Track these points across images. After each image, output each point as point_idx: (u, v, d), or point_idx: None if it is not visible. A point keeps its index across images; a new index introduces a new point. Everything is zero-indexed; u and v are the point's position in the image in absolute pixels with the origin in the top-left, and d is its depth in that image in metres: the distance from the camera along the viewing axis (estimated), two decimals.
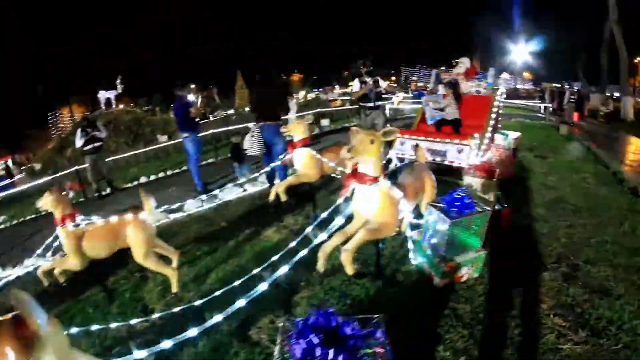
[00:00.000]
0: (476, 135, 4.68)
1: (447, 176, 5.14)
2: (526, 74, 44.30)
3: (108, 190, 7.90)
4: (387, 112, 9.20)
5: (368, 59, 6.49)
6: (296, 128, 4.02)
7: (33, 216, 7.20)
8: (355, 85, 6.68)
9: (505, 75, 44.49)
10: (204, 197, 5.88)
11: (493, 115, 5.26)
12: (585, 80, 26.82)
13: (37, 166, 13.87)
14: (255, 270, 2.68)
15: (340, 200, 2.81)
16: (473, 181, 3.45)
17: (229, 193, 6.09)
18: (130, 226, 2.91)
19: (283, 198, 4.11)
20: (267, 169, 4.88)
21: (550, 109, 15.55)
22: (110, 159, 11.76)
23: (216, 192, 5.61)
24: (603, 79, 22.90)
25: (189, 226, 4.81)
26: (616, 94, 29.28)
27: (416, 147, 3.45)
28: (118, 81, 16.66)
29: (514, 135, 5.47)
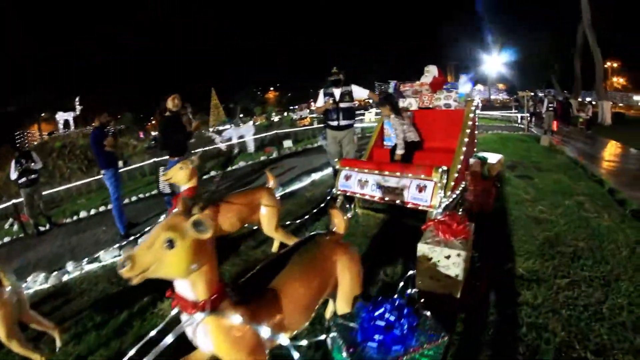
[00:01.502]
0: (444, 167, 3.55)
1: (411, 218, 4.08)
2: (500, 85, 44.38)
3: (47, 226, 7.33)
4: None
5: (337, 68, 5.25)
6: (178, 175, 3.15)
7: None
8: (319, 99, 5.47)
9: (479, 87, 44.83)
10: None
11: (465, 139, 4.14)
12: (559, 87, 26.78)
13: None
14: None
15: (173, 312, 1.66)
16: (433, 251, 2.30)
17: None
18: None
19: None
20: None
21: (529, 117, 14.84)
22: (62, 187, 11.04)
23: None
24: (577, 84, 22.80)
25: (97, 282, 4.07)
26: (587, 99, 29.53)
27: (331, 207, 2.26)
28: (76, 102, 15.37)
29: (494, 158, 4.40)
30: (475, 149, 4.89)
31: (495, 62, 31.40)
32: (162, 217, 5.97)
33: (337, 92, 5.17)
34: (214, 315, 1.46)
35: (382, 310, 1.55)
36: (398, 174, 3.76)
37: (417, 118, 4.88)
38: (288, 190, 6.83)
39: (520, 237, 3.82)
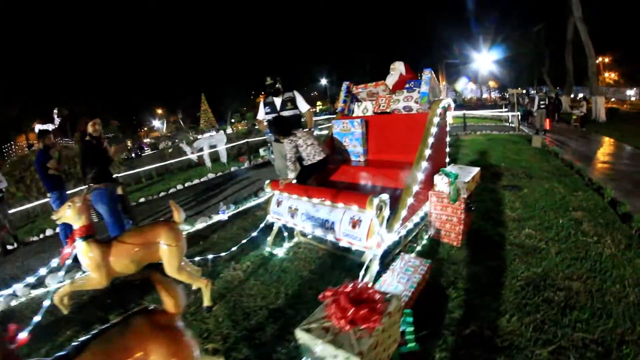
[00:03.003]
0: (384, 196, 2.60)
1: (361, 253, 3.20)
2: (492, 83, 43.62)
3: (15, 244, 7.09)
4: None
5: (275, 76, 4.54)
6: (66, 213, 2.85)
7: None
8: (260, 111, 4.78)
9: (471, 85, 44.09)
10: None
11: (427, 151, 3.23)
12: (551, 83, 26.19)
13: None
14: None
15: None
16: (315, 344, 1.35)
17: None
18: None
19: (64, 310, 3.02)
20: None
21: (519, 116, 14.01)
22: (37, 202, 10.23)
23: None
24: (569, 80, 22.14)
25: (38, 309, 3.20)
26: (580, 94, 28.97)
27: (155, 279, 1.63)
28: (55, 113, 14.56)
29: (467, 174, 3.48)
30: (447, 160, 4.00)
31: (486, 59, 30.70)
32: None
33: (277, 101, 4.52)
34: None
35: None
36: (328, 202, 2.85)
37: (371, 125, 3.98)
38: (242, 208, 6.13)
39: (497, 278, 2.94)
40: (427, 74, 3.79)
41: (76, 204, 2.87)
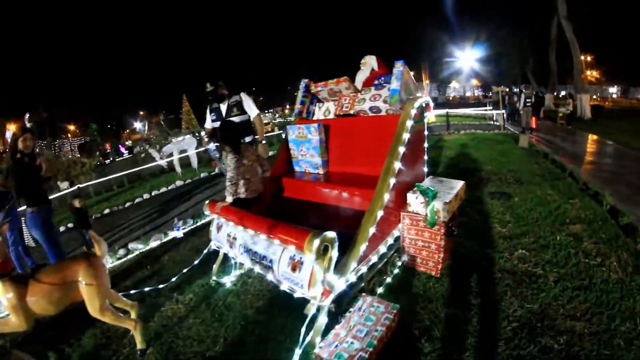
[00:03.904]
0: (329, 234, 1.91)
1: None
2: (475, 81, 43.45)
3: None
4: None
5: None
6: None
7: None
8: (207, 119, 4.23)
9: (454, 84, 44.01)
10: None
11: (396, 164, 2.65)
12: (535, 81, 26.06)
13: None
14: None
15: None
16: None
17: None
18: None
19: None
20: None
21: (505, 115, 13.58)
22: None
23: None
24: (553, 78, 21.98)
25: None
26: (562, 93, 28.97)
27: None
28: (26, 118, 13.54)
29: (449, 190, 2.86)
30: (425, 169, 3.39)
31: (469, 57, 30.44)
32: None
33: (223, 107, 3.98)
34: None
35: None
36: (263, 236, 2.22)
37: (332, 131, 3.36)
38: (199, 223, 5.52)
39: (484, 320, 2.33)
40: (398, 67, 3.15)
41: None
